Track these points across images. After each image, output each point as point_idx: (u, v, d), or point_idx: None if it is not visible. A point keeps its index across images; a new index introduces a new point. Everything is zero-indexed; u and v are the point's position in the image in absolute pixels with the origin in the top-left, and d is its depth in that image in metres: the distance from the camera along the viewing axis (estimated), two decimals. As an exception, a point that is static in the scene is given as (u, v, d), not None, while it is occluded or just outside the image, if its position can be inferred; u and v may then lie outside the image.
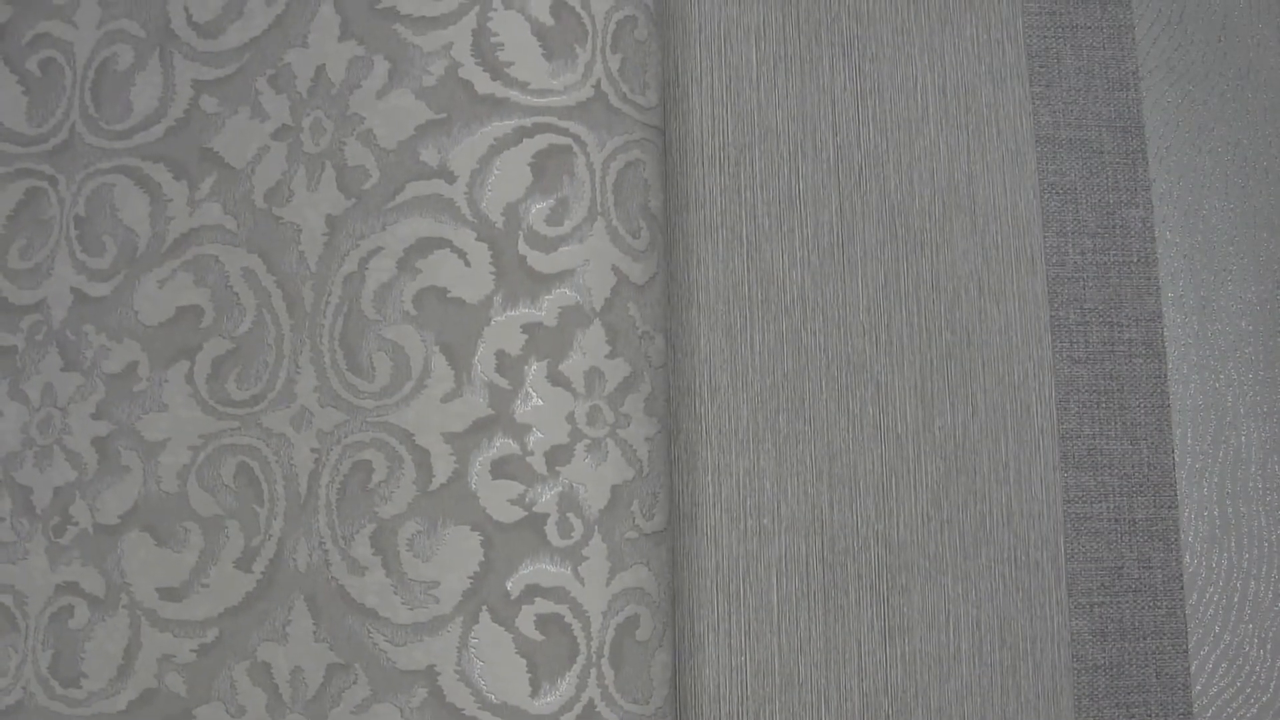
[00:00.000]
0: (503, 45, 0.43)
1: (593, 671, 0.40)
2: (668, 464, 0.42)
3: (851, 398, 0.45)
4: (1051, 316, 0.45)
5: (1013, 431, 0.44)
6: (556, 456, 0.41)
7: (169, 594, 0.43)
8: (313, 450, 0.44)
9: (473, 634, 0.40)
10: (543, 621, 0.40)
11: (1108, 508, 0.44)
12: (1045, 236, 0.46)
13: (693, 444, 0.45)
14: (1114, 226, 0.46)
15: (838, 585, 0.44)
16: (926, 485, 0.45)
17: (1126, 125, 0.47)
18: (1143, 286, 0.46)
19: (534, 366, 0.41)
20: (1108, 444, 0.45)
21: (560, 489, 0.41)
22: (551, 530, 0.40)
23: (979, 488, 0.44)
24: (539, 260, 0.42)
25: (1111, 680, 0.43)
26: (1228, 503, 0.44)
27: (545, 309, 0.42)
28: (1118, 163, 0.47)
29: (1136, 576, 0.44)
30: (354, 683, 0.41)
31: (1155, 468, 0.44)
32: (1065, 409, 0.45)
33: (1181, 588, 0.44)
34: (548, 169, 0.42)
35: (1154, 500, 0.44)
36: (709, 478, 0.45)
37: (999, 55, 0.48)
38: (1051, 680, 0.43)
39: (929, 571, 0.44)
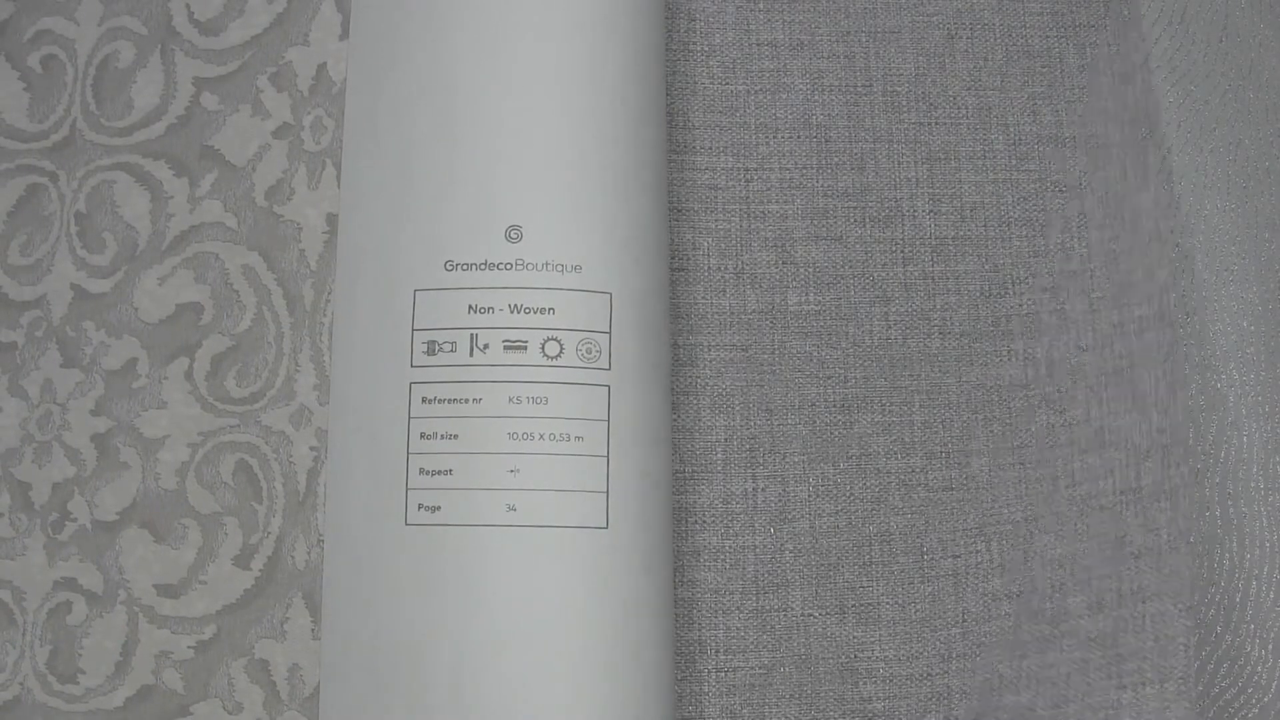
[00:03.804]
0: None
1: None
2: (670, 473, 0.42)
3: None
4: (1058, 310, 0.45)
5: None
6: None
7: (167, 591, 0.44)
8: (312, 448, 0.44)
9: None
10: None
11: (1113, 483, 0.43)
12: (1050, 233, 0.46)
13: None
14: (1122, 214, 0.46)
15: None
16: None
17: (1134, 116, 0.47)
18: (1154, 263, 0.45)
19: None
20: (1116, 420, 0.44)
21: None
22: None
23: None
24: None
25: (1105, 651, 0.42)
26: (1229, 503, 0.44)
27: None
28: (1124, 154, 0.46)
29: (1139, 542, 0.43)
30: (352, 680, 0.41)
31: (1164, 432, 0.43)
32: (1073, 394, 0.44)
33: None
34: None
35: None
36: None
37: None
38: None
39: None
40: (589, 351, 0.40)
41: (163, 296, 0.46)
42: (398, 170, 0.42)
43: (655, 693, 0.39)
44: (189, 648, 0.43)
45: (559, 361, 0.40)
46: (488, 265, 0.40)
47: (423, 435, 0.40)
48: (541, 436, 0.39)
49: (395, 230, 0.41)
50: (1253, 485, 0.44)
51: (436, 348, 0.40)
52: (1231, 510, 0.44)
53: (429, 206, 0.41)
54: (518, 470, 0.39)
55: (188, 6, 0.48)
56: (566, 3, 0.42)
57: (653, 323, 0.42)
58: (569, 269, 0.40)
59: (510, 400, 0.40)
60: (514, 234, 0.40)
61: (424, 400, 0.40)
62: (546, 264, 0.40)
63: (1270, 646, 0.43)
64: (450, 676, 0.38)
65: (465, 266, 0.41)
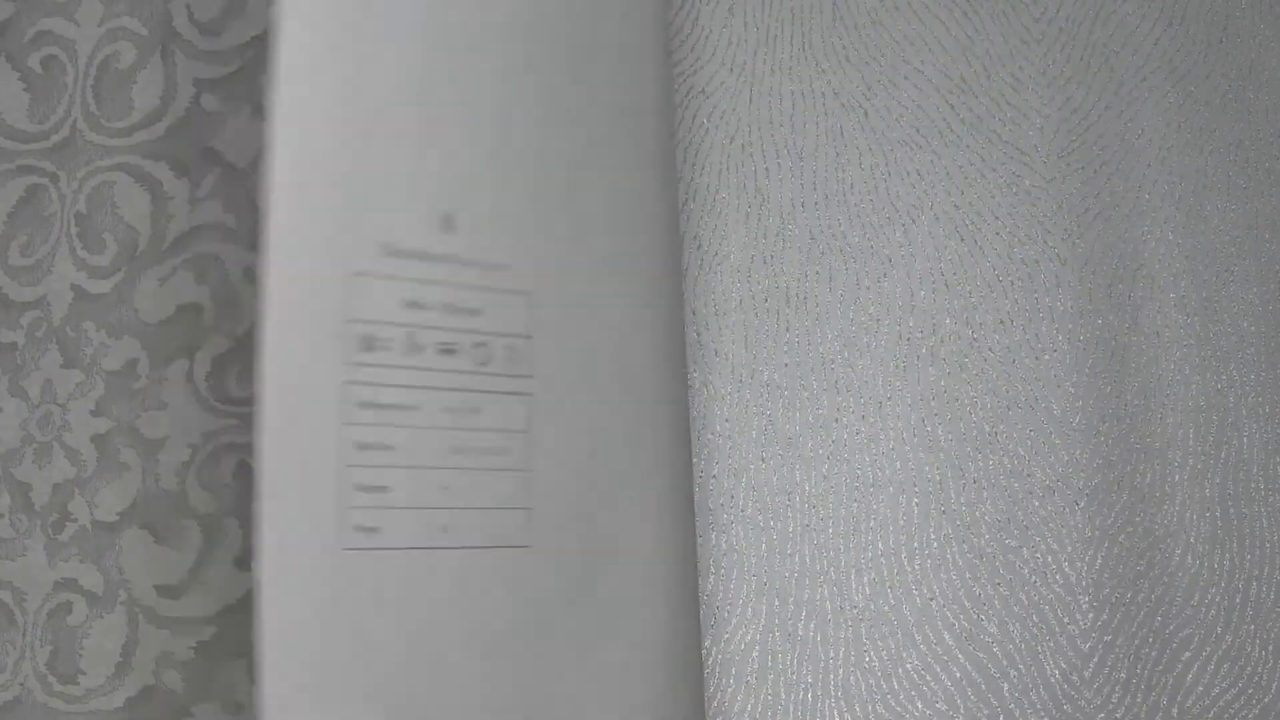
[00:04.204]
0: None
1: None
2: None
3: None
4: None
5: None
6: None
7: (167, 591, 0.44)
8: (312, 449, 0.44)
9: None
10: None
11: None
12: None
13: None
14: None
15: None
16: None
17: None
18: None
19: None
20: None
21: None
22: None
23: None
24: None
25: None
26: (1229, 504, 0.44)
27: None
28: None
29: None
30: (352, 681, 0.40)
31: None
32: None
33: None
34: None
35: None
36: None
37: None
38: None
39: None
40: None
41: (163, 297, 0.46)
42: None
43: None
44: (189, 648, 0.43)
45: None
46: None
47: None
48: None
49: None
50: (1253, 486, 0.44)
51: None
52: (1232, 510, 0.44)
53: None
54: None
55: (188, 7, 0.48)
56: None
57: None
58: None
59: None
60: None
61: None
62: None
63: (1270, 647, 0.43)
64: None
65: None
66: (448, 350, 0.38)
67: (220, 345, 0.45)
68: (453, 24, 0.41)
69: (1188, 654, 0.43)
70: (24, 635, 0.44)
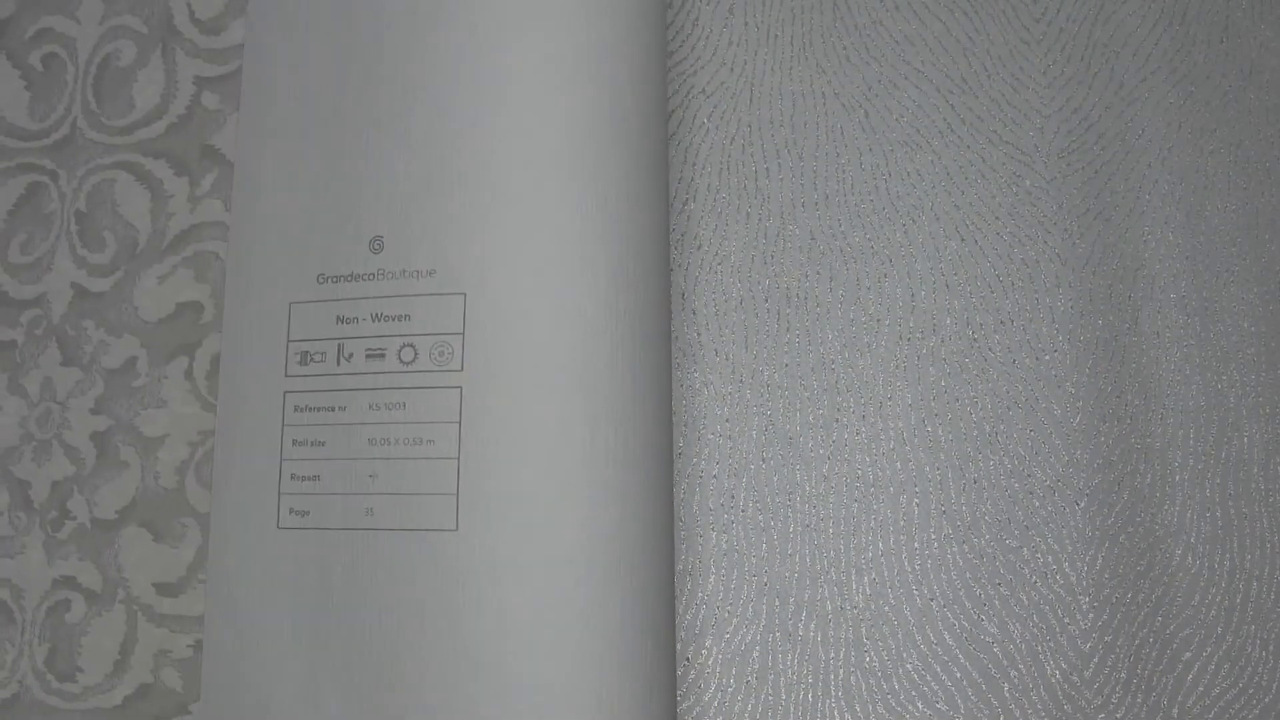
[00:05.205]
0: None
1: None
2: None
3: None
4: None
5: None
6: None
7: (166, 589, 0.43)
8: (311, 447, 0.44)
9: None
10: None
11: None
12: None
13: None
14: None
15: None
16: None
17: None
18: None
19: None
20: None
21: None
22: None
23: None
24: None
25: None
26: (1230, 504, 0.44)
27: None
28: None
29: None
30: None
31: None
32: None
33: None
34: None
35: None
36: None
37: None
38: None
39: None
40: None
41: (162, 295, 0.46)
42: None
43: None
44: (188, 646, 0.43)
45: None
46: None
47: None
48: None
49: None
50: (1253, 486, 0.44)
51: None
52: (1232, 510, 0.44)
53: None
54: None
55: (189, 5, 0.48)
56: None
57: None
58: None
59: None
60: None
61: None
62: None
63: (1270, 647, 0.43)
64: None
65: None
66: (375, 354, 0.41)
67: (219, 343, 0.45)
68: (374, 55, 0.43)
69: (1188, 654, 0.43)
70: (22, 633, 0.44)
